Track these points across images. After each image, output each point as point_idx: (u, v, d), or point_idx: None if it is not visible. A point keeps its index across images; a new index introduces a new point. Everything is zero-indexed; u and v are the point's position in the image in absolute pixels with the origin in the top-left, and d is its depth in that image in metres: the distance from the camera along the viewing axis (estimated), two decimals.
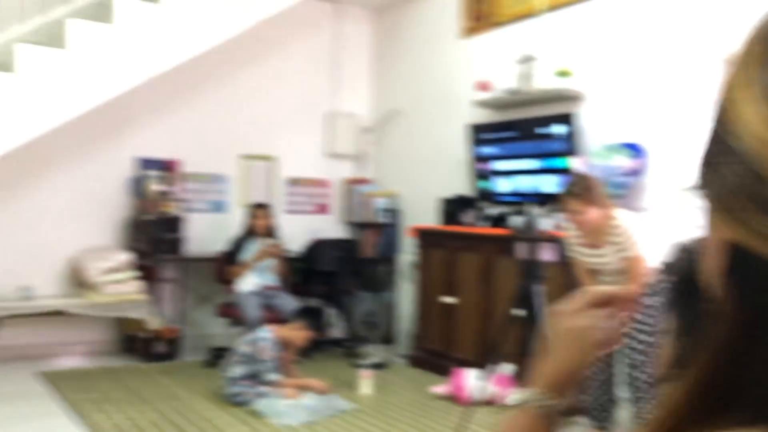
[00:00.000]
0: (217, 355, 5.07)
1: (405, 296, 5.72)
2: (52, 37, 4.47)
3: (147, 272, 5.22)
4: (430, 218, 5.65)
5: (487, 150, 5.00)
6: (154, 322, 5.16)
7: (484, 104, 5.08)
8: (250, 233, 5.25)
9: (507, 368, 4.03)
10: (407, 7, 6.24)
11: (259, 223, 5.22)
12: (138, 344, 5.26)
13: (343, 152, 6.49)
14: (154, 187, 5.35)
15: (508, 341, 3.47)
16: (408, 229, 5.57)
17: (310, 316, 4.22)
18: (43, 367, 4.89)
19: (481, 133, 5.04)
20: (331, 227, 6.46)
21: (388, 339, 5.46)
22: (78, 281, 5.16)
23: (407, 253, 5.76)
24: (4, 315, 4.69)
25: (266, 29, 5.34)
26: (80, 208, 5.23)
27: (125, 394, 4.30)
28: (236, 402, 4.00)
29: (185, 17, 4.59)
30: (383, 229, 6.09)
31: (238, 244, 5.23)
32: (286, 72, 6.20)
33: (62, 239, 5.19)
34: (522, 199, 4.76)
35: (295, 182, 6.34)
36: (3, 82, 4.08)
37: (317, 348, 5.08)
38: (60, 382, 4.49)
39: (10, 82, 4.09)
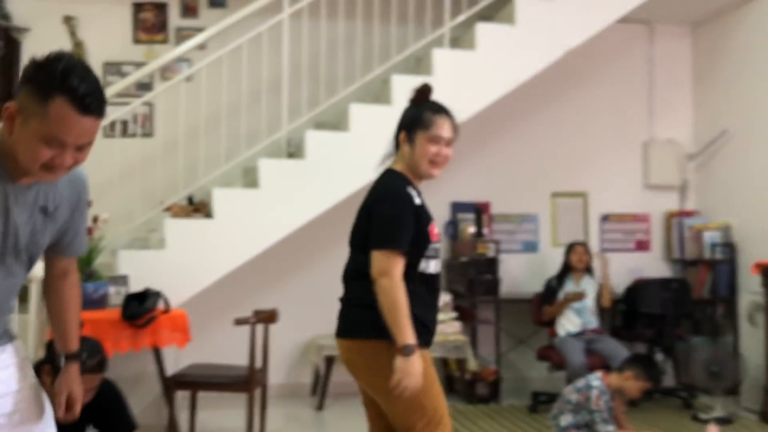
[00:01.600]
0: (540, 400, 4.89)
1: (750, 342, 4.99)
2: (377, 95, 4.80)
3: (464, 313, 5.25)
4: None
5: None
6: (473, 364, 5.15)
7: None
8: (567, 270, 5.04)
9: None
10: (731, 17, 5.59)
11: (577, 259, 4.99)
12: (459, 385, 5.29)
13: (664, 183, 5.96)
14: (469, 229, 5.40)
15: None
16: (750, 265, 4.87)
17: (644, 365, 3.82)
18: None
19: None
20: (654, 265, 5.93)
21: (731, 390, 4.78)
22: None
23: (749, 292, 5.04)
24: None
25: (574, 59, 5.13)
26: None
27: None
28: None
29: (491, 61, 4.58)
30: (716, 266, 5.43)
31: (555, 283, 5.04)
32: (598, 102, 5.91)
33: None
34: None
35: (610, 218, 5.97)
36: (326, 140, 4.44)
37: (646, 397, 4.63)
38: None
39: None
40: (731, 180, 5.61)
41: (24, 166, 1.59)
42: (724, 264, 5.44)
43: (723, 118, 5.69)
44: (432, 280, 2.38)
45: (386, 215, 2.30)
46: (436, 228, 2.40)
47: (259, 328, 3.74)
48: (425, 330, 2.32)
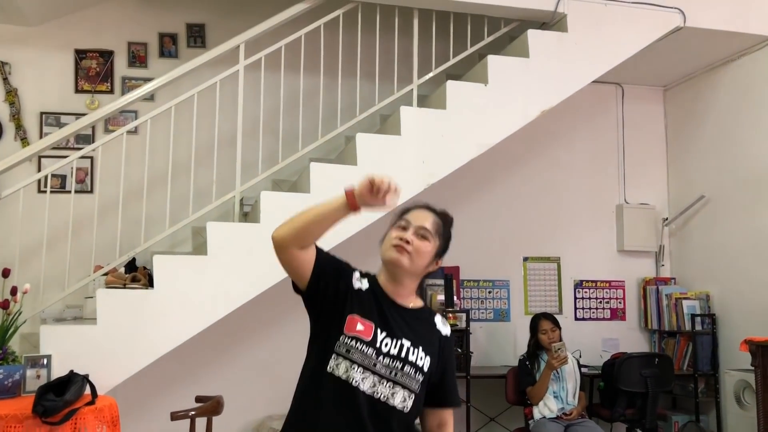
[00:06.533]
0: None
1: (737, 425, 4.65)
2: (341, 154, 4.42)
3: None
4: (761, 326, 4.61)
5: None
6: None
7: None
8: (538, 348, 4.63)
9: None
10: (702, 81, 5.43)
11: (546, 338, 4.57)
12: None
13: (638, 248, 5.69)
14: (438, 297, 5.01)
15: None
16: (731, 339, 4.57)
17: None
18: None
19: None
20: (629, 335, 5.62)
21: None
22: None
23: (733, 369, 4.73)
24: None
25: (546, 121, 4.87)
26: None
27: None
28: None
29: (462, 121, 4.26)
30: (696, 339, 5.12)
31: (529, 363, 4.63)
32: (570, 165, 5.66)
33: None
34: None
35: (583, 285, 5.65)
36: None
37: None
38: None
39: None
40: (709, 247, 5.36)
41: None
42: (704, 336, 5.15)
43: (699, 182, 5.47)
44: (344, 390, 1.79)
45: None
46: (362, 325, 1.84)
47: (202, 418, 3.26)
48: None
